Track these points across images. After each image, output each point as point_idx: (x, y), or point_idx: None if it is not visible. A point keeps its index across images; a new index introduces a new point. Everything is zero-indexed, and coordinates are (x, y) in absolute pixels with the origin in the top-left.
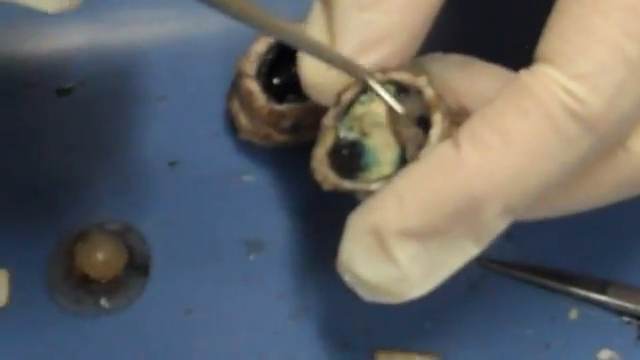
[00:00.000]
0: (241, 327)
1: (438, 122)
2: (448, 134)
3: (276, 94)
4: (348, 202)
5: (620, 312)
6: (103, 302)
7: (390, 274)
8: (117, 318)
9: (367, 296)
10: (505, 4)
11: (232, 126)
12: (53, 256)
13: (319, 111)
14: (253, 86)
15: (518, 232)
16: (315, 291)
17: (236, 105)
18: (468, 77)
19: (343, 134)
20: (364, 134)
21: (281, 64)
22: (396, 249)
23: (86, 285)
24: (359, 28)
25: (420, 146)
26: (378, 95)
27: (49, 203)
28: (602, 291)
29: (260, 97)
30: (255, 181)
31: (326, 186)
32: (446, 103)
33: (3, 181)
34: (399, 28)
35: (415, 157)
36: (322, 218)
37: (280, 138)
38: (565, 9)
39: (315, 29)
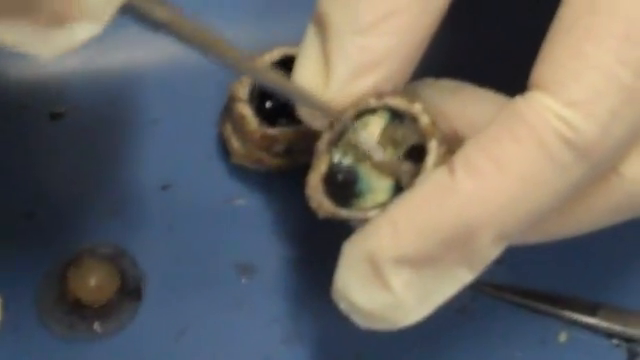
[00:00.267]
0: (233, 351)
1: (433, 150)
2: (443, 161)
3: (268, 118)
4: (341, 227)
5: (610, 335)
6: (96, 327)
7: (385, 301)
8: (110, 343)
9: (362, 323)
10: (498, 29)
11: (225, 150)
12: (45, 280)
13: (312, 135)
14: (245, 110)
15: (508, 255)
16: (307, 316)
17: (229, 129)
18: (461, 102)
19: (337, 159)
20: (359, 160)
21: None
22: (391, 276)
23: (79, 310)
24: (354, 52)
25: (414, 174)
26: (356, 137)
27: (41, 227)
28: (592, 314)
29: (252, 121)
30: (248, 205)
31: (321, 214)
32: (441, 130)
33: None
34: (394, 52)
35: (410, 184)
36: (314, 242)
37: (273, 162)
38: (558, 36)
39: (309, 53)
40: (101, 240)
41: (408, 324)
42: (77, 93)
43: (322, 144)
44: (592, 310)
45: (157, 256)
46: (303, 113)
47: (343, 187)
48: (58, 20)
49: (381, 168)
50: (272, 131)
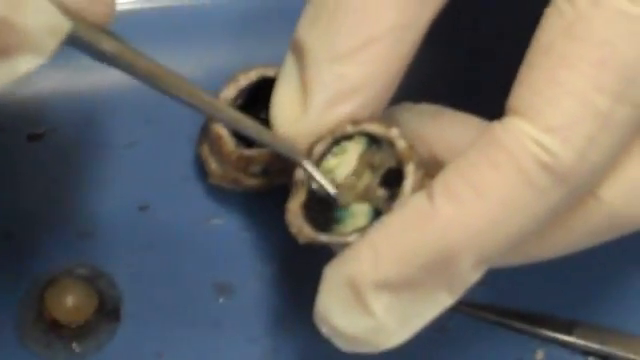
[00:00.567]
0: None
1: (411, 173)
2: (421, 185)
3: (246, 139)
4: (316, 247)
5: (586, 352)
6: (74, 347)
7: (367, 325)
8: None
9: (344, 347)
10: (476, 54)
11: (202, 170)
12: (23, 301)
13: None
14: (222, 131)
15: (485, 274)
16: (286, 335)
17: (206, 150)
18: (439, 126)
19: (316, 186)
20: (337, 186)
21: (251, 108)
22: (372, 300)
23: (57, 330)
24: (331, 80)
25: (392, 198)
26: (312, 176)
27: (19, 248)
28: (568, 332)
29: (229, 142)
30: (225, 225)
31: (301, 239)
32: (418, 154)
33: None
34: (371, 80)
35: (388, 209)
36: (292, 262)
37: (250, 182)
38: (534, 62)
39: (287, 81)
40: (79, 261)
41: (390, 347)
42: (55, 115)
43: (300, 172)
44: (569, 328)
45: (135, 276)
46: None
47: (322, 213)
48: (1, 52)
49: (357, 194)
50: (249, 152)
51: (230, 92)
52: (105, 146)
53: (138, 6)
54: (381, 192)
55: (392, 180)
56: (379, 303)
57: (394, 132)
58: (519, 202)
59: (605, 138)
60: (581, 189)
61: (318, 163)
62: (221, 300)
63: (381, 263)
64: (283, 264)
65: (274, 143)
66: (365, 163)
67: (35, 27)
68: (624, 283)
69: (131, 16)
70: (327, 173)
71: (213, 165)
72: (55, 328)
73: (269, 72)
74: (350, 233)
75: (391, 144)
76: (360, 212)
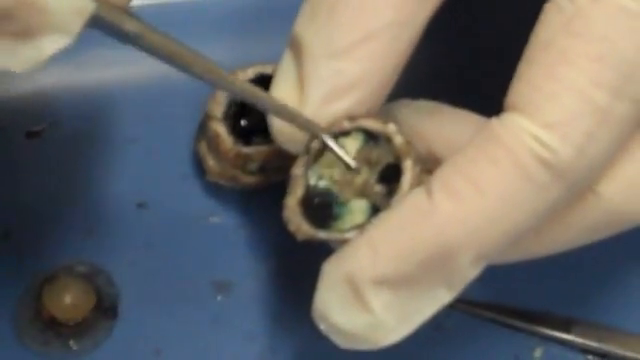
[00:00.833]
0: None
1: (409, 169)
2: (419, 181)
3: (243, 136)
4: (314, 244)
5: (584, 350)
6: (71, 344)
7: (365, 322)
8: None
9: (343, 344)
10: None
11: (200, 168)
12: (21, 298)
13: (286, 154)
14: (220, 128)
15: (483, 271)
16: (283, 332)
17: (204, 147)
18: (437, 123)
19: (313, 182)
20: (334, 182)
21: (248, 106)
22: (370, 297)
23: (54, 327)
24: (328, 76)
25: (389, 194)
26: (332, 151)
27: (17, 245)
28: (566, 330)
29: (227, 139)
30: (223, 222)
31: (300, 236)
32: (416, 150)
33: None
34: (368, 76)
35: (386, 205)
36: (289, 259)
37: (247, 180)
38: (533, 58)
39: (285, 76)
40: (77, 258)
41: (388, 344)
42: (54, 112)
43: (298, 168)
44: (567, 326)
45: (133, 274)
46: (277, 136)
47: (320, 209)
48: (26, 34)
49: (355, 190)
50: (246, 149)
51: None
52: (103, 143)
53: (135, 3)
54: (379, 188)
55: (390, 176)
56: (378, 300)
57: (391, 128)
58: (518, 198)
59: (604, 134)
60: (580, 185)
61: (315, 159)
62: (219, 297)
63: (379, 260)
64: (281, 261)
65: (294, 116)
66: (362, 159)
67: (59, 7)
68: (622, 281)
69: None
70: (324, 169)
71: (211, 162)
72: (53, 325)
73: (267, 69)
74: (348, 230)
75: (388, 140)
76: (358, 208)
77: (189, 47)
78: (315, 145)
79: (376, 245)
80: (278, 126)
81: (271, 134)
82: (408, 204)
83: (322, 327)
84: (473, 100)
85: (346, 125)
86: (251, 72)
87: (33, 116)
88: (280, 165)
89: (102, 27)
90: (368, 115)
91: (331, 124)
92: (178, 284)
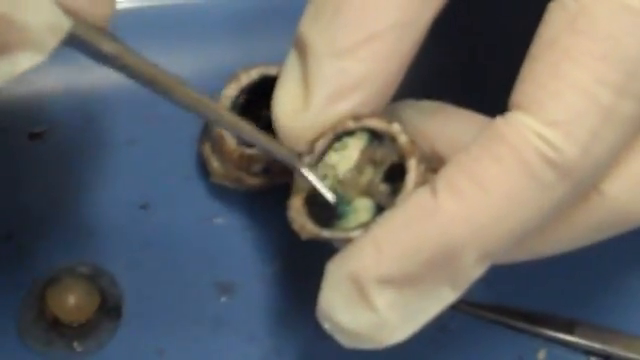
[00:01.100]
0: None
1: (413, 168)
2: (423, 180)
3: None
4: (319, 245)
5: (587, 352)
6: (75, 345)
7: (369, 321)
8: None
9: (347, 343)
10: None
11: (204, 169)
12: (25, 299)
13: None
14: (224, 130)
15: (487, 273)
16: (287, 334)
17: (208, 149)
18: (441, 123)
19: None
20: (339, 182)
21: (252, 107)
22: (375, 296)
23: (58, 328)
24: (333, 76)
25: (394, 193)
26: (309, 180)
27: (20, 247)
28: (570, 331)
29: (231, 141)
30: (227, 224)
31: (304, 235)
32: (420, 149)
33: None
34: (373, 76)
35: (391, 204)
36: (294, 260)
37: (251, 181)
38: (538, 57)
39: (290, 76)
40: (80, 259)
41: (393, 343)
42: (56, 113)
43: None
44: (570, 328)
45: (136, 275)
46: (284, 137)
47: (325, 208)
48: (2, 48)
49: (359, 189)
50: (250, 151)
51: (231, 90)
52: (107, 145)
53: (139, 4)
54: (383, 187)
55: (394, 175)
56: (382, 299)
57: (396, 127)
58: (522, 197)
59: (608, 132)
60: (584, 183)
61: (320, 159)
62: (223, 299)
63: (384, 259)
64: (285, 263)
65: (271, 148)
66: (367, 159)
67: (35, 24)
68: (626, 283)
69: (132, 14)
70: (329, 169)
71: (215, 164)
72: (56, 327)
73: (270, 70)
74: (353, 229)
75: (393, 139)
76: (362, 208)
77: (167, 72)
78: (320, 145)
79: (380, 244)
80: (283, 124)
81: (276, 132)
82: (412, 203)
83: (326, 326)
84: (477, 100)
85: (351, 125)
86: (255, 73)
87: (35, 118)
88: (284, 167)
89: (78, 46)
90: (372, 115)
91: (336, 124)
92: (182, 285)
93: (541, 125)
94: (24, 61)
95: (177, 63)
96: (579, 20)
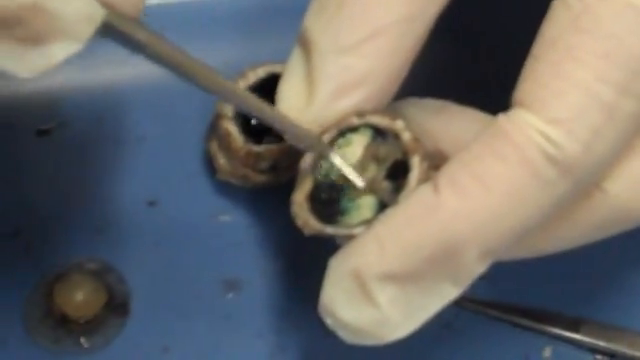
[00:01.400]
0: None
1: (416, 165)
2: (426, 177)
3: (254, 135)
4: (325, 242)
5: (593, 350)
6: (82, 341)
7: (371, 317)
8: (96, 357)
9: (349, 339)
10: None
11: (211, 167)
12: (32, 296)
13: (296, 152)
14: (231, 127)
15: (492, 271)
16: (293, 330)
17: (214, 146)
18: (444, 121)
19: (321, 178)
20: (342, 178)
21: None
22: (377, 292)
23: (65, 325)
24: (336, 72)
25: (397, 190)
26: (335, 164)
27: (28, 243)
28: (575, 329)
29: (238, 138)
30: (233, 221)
31: (307, 231)
32: (423, 146)
33: None
34: (377, 73)
35: (393, 201)
36: (299, 258)
37: (258, 179)
38: (540, 55)
39: (294, 72)
40: (88, 256)
41: (394, 339)
42: (64, 110)
43: (306, 163)
44: (576, 326)
45: (144, 272)
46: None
47: (328, 205)
48: (36, 39)
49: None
50: (257, 148)
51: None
52: (114, 142)
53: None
54: (386, 184)
55: (397, 172)
56: (384, 295)
57: (399, 124)
58: (524, 194)
59: (610, 130)
60: (586, 181)
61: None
62: (229, 296)
63: (386, 255)
64: (291, 260)
65: (298, 133)
66: (370, 155)
67: (70, 13)
68: (632, 280)
69: None
70: (332, 165)
71: (222, 161)
72: (64, 323)
73: (277, 69)
74: (356, 225)
75: (396, 136)
76: (365, 204)
77: (196, 58)
78: (324, 140)
79: (383, 240)
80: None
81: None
82: (415, 200)
83: (328, 322)
84: (480, 98)
85: (354, 121)
86: (262, 71)
87: (43, 115)
88: (290, 164)
89: (111, 35)
90: (376, 111)
91: (339, 120)
92: (188, 282)
93: (543, 123)
94: (59, 52)
95: None
96: (582, 19)
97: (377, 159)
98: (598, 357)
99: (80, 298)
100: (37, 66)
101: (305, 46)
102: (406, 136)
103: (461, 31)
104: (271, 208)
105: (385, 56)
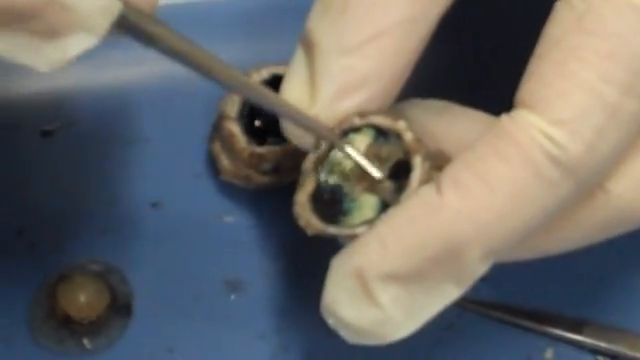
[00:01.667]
0: None
1: (418, 165)
2: (428, 177)
3: (257, 136)
4: (327, 243)
5: (595, 351)
6: (85, 342)
7: (373, 317)
8: (99, 358)
9: (351, 339)
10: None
11: (214, 167)
12: (35, 297)
13: (300, 153)
14: (234, 128)
15: (494, 272)
16: (295, 331)
17: (218, 147)
18: (447, 122)
19: (323, 178)
20: (344, 178)
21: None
22: (379, 292)
23: (68, 326)
24: (339, 72)
25: (399, 190)
26: (351, 156)
27: (31, 244)
28: (577, 331)
29: (241, 139)
30: (236, 222)
31: (310, 231)
32: (426, 146)
33: None
34: (379, 73)
35: (396, 201)
36: (302, 258)
37: (261, 180)
38: (544, 55)
39: (296, 73)
40: (91, 257)
41: (396, 339)
42: (68, 111)
43: (308, 163)
44: (578, 327)
45: (147, 273)
46: (289, 132)
47: (330, 205)
48: (52, 33)
49: (365, 186)
50: (260, 149)
51: None
52: (117, 143)
53: None
54: (388, 184)
55: (399, 172)
56: (386, 295)
57: (401, 124)
58: (527, 194)
59: (613, 130)
60: (589, 181)
61: (326, 155)
62: (232, 296)
63: (388, 255)
64: (294, 261)
65: (312, 126)
66: (372, 155)
67: (86, 7)
68: (634, 282)
69: None
70: (335, 165)
71: (225, 162)
72: (67, 324)
73: (280, 70)
74: (358, 225)
75: (398, 136)
76: (368, 204)
77: (209, 51)
78: (325, 141)
79: (385, 240)
80: (291, 124)
81: (282, 129)
82: (417, 200)
83: (330, 322)
84: (482, 99)
85: (357, 121)
86: (265, 73)
87: (47, 115)
88: (293, 165)
89: (127, 28)
90: (379, 111)
91: (342, 120)
92: (191, 283)
93: (547, 123)
94: (75, 46)
95: None
96: (586, 19)
97: (379, 159)
98: (600, 359)
99: (83, 299)
100: (53, 60)
101: (308, 47)
102: (408, 136)
103: (464, 32)
104: (274, 209)
105: (388, 57)
